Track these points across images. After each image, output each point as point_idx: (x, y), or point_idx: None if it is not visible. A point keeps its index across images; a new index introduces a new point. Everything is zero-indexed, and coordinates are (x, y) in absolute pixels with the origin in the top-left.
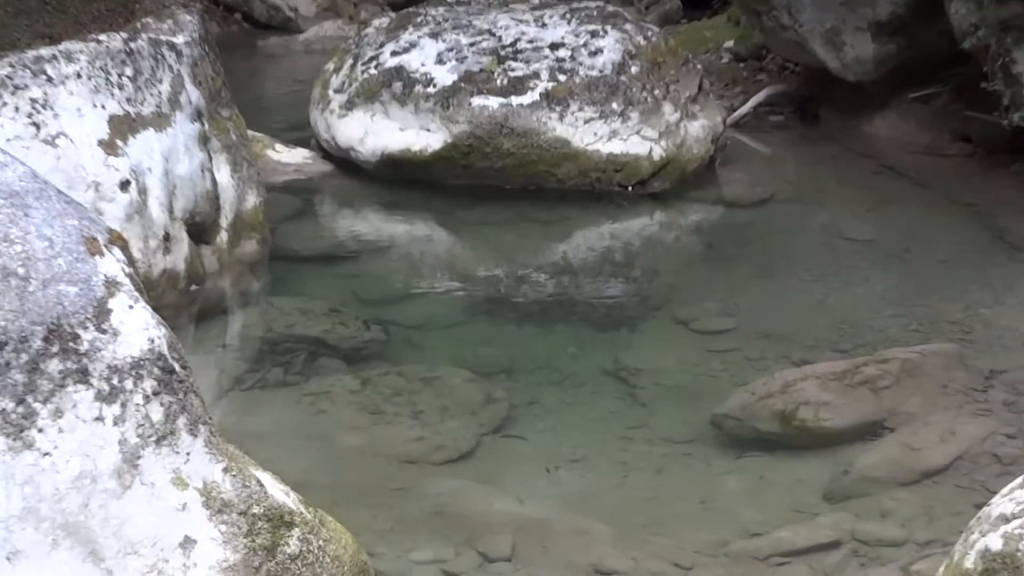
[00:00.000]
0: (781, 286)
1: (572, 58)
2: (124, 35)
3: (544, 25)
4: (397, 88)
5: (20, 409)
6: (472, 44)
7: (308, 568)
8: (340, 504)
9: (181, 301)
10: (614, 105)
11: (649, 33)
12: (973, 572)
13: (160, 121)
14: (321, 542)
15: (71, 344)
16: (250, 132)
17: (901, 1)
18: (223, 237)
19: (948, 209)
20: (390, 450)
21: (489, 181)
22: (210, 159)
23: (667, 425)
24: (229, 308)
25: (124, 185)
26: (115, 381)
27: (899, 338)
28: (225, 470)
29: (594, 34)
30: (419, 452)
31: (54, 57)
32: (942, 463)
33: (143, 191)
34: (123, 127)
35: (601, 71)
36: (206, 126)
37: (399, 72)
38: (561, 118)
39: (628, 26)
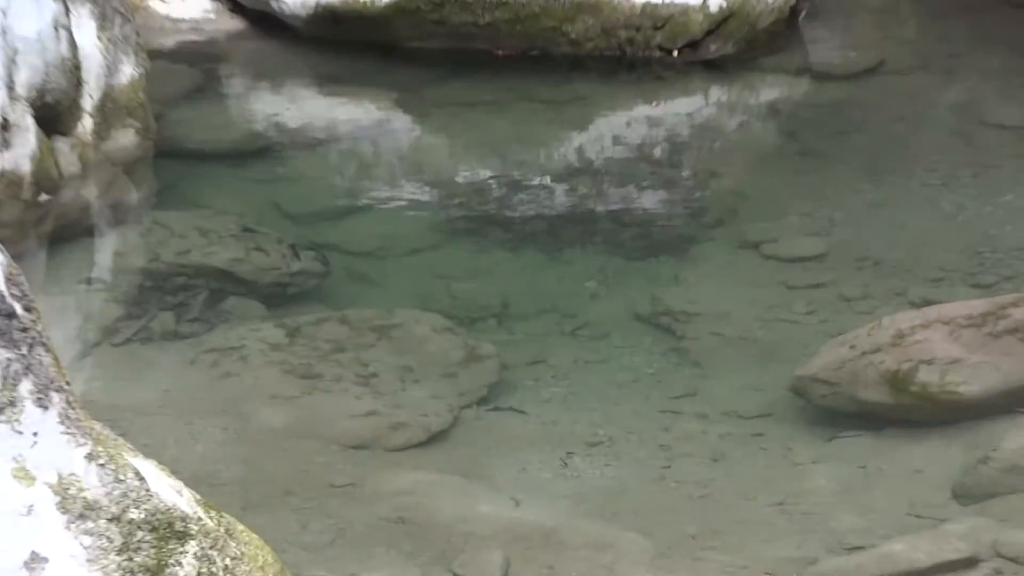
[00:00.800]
0: (893, 193)
1: None
2: None
3: None
4: None
5: None
6: None
7: None
8: (257, 507)
9: (26, 216)
10: None
11: None
12: None
13: None
14: (228, 560)
15: None
16: None
17: None
18: (87, 125)
19: None
20: (329, 430)
21: (472, 44)
22: (67, 12)
23: (728, 393)
24: (97, 227)
25: None
26: None
27: None
28: (89, 457)
29: None
30: (370, 433)
31: None
32: None
33: None
34: None
35: None
36: None
37: None
38: None
39: None
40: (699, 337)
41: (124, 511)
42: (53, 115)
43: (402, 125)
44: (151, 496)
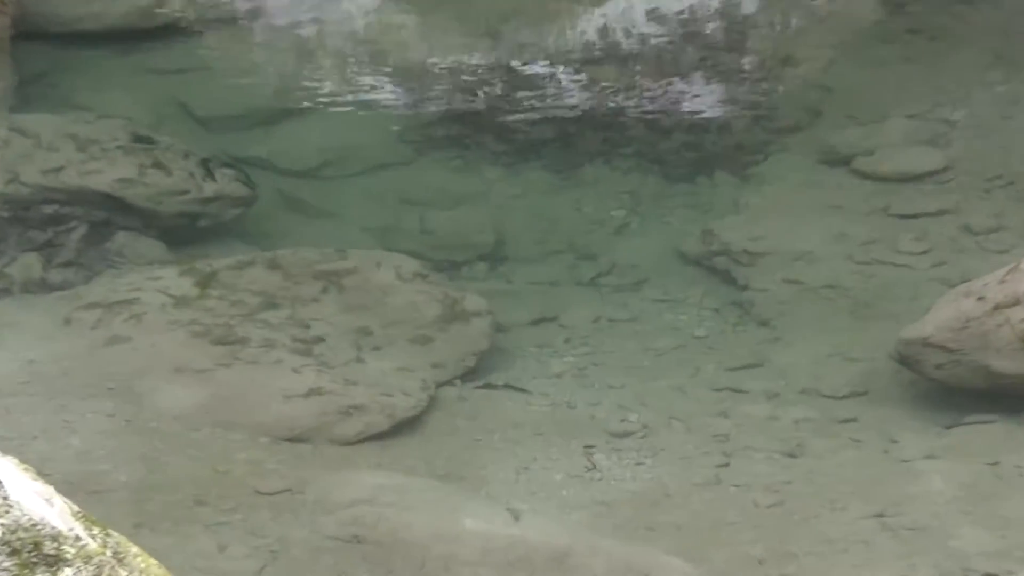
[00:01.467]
0: None
1: None
2: None
3: None
4: None
5: None
6: None
7: None
8: (157, 522)
9: None
10: None
11: None
12: None
13: None
14: None
15: None
16: None
17: None
18: None
19: None
20: (255, 416)
21: None
22: None
23: (808, 363)
24: None
25: None
26: None
27: None
28: None
29: None
30: (313, 419)
31: None
32: None
33: None
34: None
35: None
36: None
37: None
38: None
39: None
40: (768, 286)
41: None
42: None
43: None
44: (10, 507)
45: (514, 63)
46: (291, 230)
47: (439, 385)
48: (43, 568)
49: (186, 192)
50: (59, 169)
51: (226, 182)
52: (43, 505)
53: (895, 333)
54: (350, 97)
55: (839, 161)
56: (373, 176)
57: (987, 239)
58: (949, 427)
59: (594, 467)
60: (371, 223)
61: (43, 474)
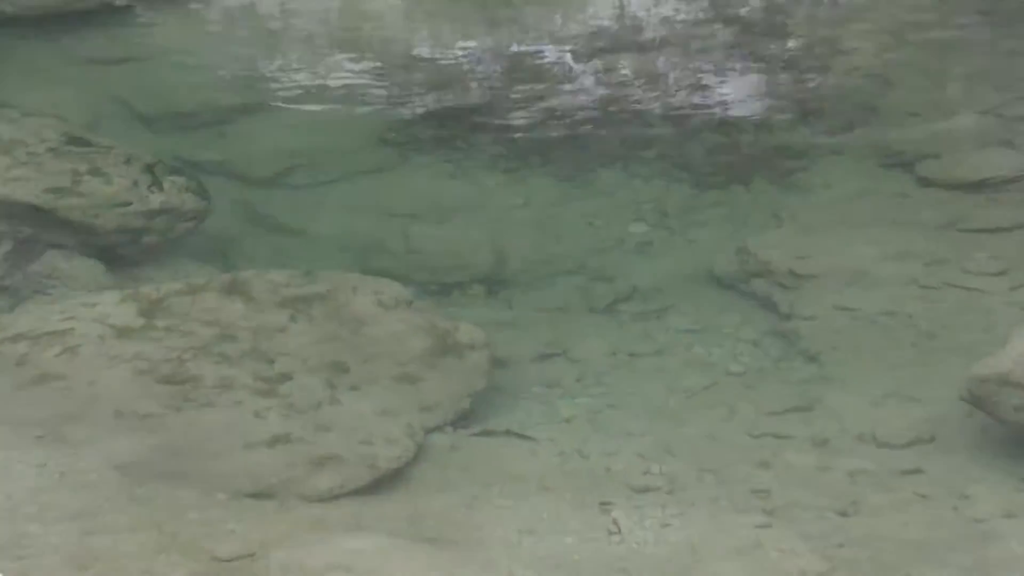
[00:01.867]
0: None
1: None
2: None
3: None
4: None
5: None
6: None
7: None
8: None
9: None
10: None
11: None
12: None
13: None
14: None
15: None
16: None
17: None
18: None
19: None
20: (211, 467)
21: None
22: None
23: (863, 405)
24: None
25: None
26: None
27: None
28: None
29: None
30: (280, 471)
31: None
32: None
33: None
34: None
35: None
36: None
37: None
38: None
39: None
40: (816, 314)
41: None
42: None
43: None
44: None
45: (515, 51)
46: (252, 248)
47: (428, 431)
48: None
49: (128, 203)
50: None
51: (175, 192)
52: None
53: (966, 369)
54: (322, 91)
55: (899, 165)
56: (349, 184)
57: None
58: None
59: (619, 530)
60: (347, 240)
61: None
